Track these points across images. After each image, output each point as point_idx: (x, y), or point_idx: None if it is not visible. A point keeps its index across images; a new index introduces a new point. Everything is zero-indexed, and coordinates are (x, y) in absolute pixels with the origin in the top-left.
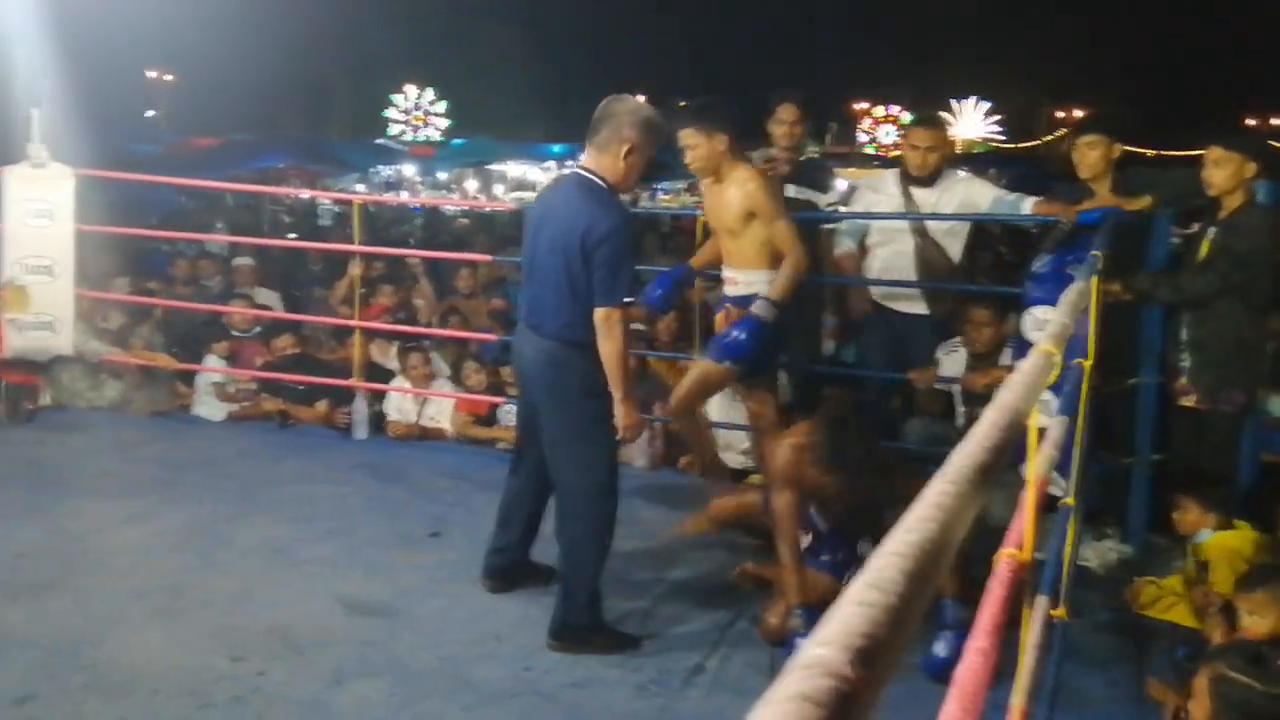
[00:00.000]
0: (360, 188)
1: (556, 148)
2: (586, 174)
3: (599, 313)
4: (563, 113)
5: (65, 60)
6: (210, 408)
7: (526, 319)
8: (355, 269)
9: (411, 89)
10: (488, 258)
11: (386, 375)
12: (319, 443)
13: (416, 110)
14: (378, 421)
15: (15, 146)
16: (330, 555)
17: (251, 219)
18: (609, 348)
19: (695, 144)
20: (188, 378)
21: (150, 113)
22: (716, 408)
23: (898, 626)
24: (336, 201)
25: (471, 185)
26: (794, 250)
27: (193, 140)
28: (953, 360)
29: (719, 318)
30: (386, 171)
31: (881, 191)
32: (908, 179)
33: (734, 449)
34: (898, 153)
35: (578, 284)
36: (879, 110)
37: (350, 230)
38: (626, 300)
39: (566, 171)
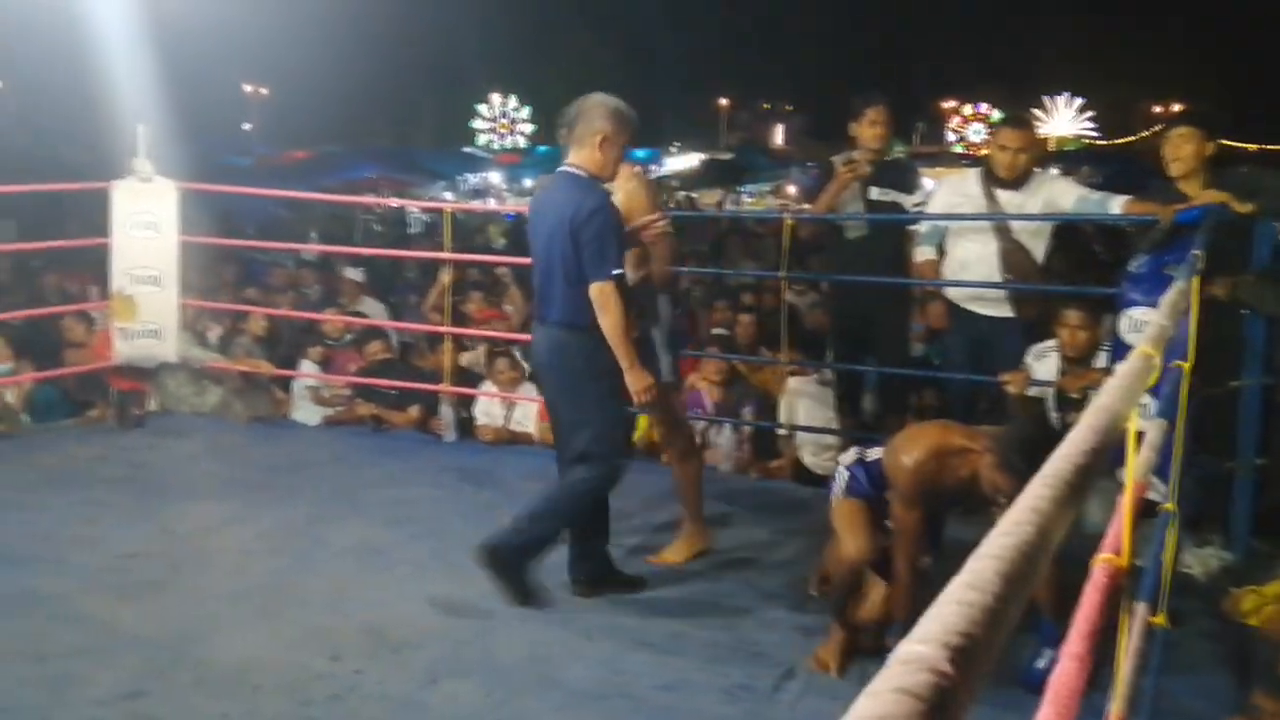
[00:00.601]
0: (448, 196)
1: (640, 152)
2: (570, 169)
3: (593, 288)
4: (646, 117)
5: (167, 78)
6: (306, 412)
7: (536, 312)
8: (446, 276)
9: (497, 97)
10: None
11: (478, 380)
12: (411, 447)
13: (502, 118)
14: (467, 426)
15: (122, 161)
16: (422, 557)
17: (343, 229)
18: (608, 321)
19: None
20: (285, 383)
21: (245, 126)
22: (804, 410)
23: (994, 626)
24: (425, 210)
25: None
26: None
27: (286, 153)
28: (1046, 363)
29: None
30: (473, 179)
31: (963, 192)
32: (991, 179)
33: (821, 453)
34: (986, 151)
35: (571, 269)
36: (967, 108)
37: (440, 238)
38: (615, 273)
39: (554, 173)
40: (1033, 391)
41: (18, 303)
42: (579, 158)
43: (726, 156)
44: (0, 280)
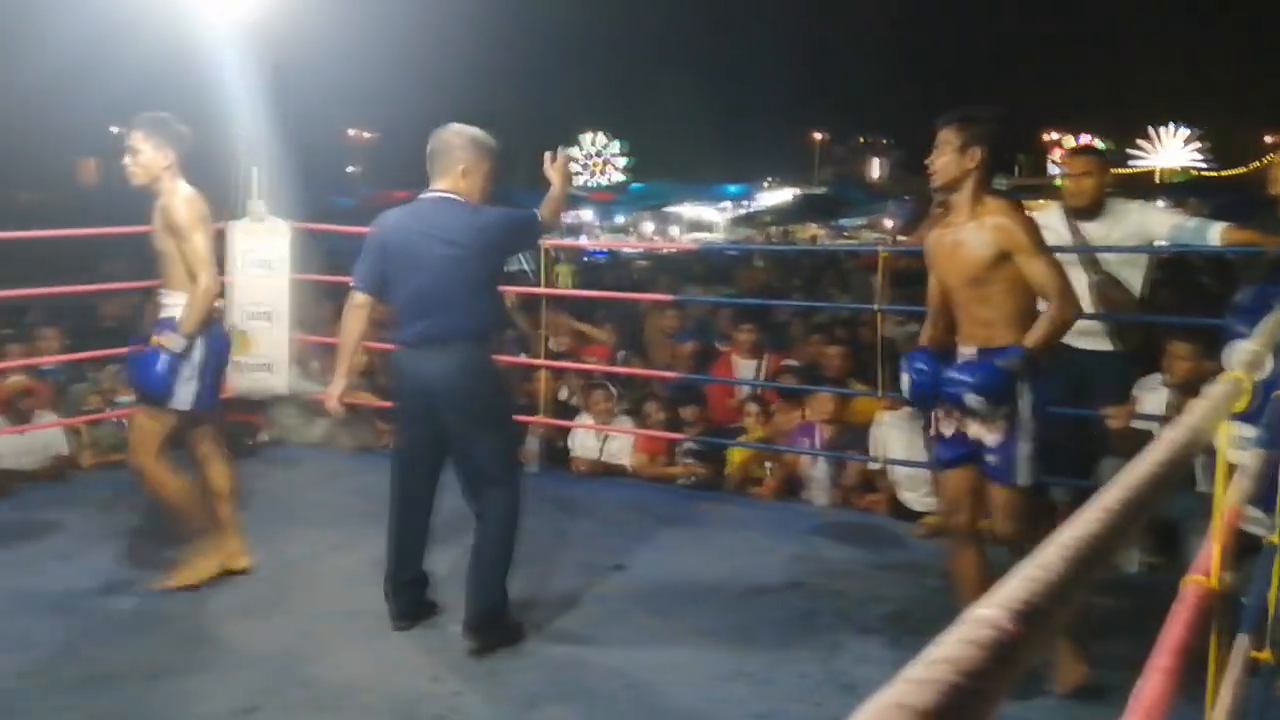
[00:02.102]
0: None
1: (733, 188)
2: (444, 194)
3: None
4: (739, 153)
5: (279, 123)
6: None
7: (415, 335)
8: (543, 312)
9: (591, 136)
10: (669, 297)
11: (572, 412)
12: None
13: (596, 157)
14: (561, 457)
15: (235, 203)
16: (520, 583)
17: None
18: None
19: (945, 143)
20: (387, 415)
21: (350, 168)
22: (897, 444)
23: (1054, 599)
24: None
25: (648, 227)
26: (1061, 292)
27: (388, 193)
28: (1154, 397)
29: None
30: (568, 217)
31: (1047, 227)
32: (1073, 212)
33: (915, 488)
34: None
35: (478, 278)
36: (1070, 140)
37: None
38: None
39: (424, 199)
40: (1138, 425)
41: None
42: (447, 185)
43: (821, 191)
44: (126, 316)
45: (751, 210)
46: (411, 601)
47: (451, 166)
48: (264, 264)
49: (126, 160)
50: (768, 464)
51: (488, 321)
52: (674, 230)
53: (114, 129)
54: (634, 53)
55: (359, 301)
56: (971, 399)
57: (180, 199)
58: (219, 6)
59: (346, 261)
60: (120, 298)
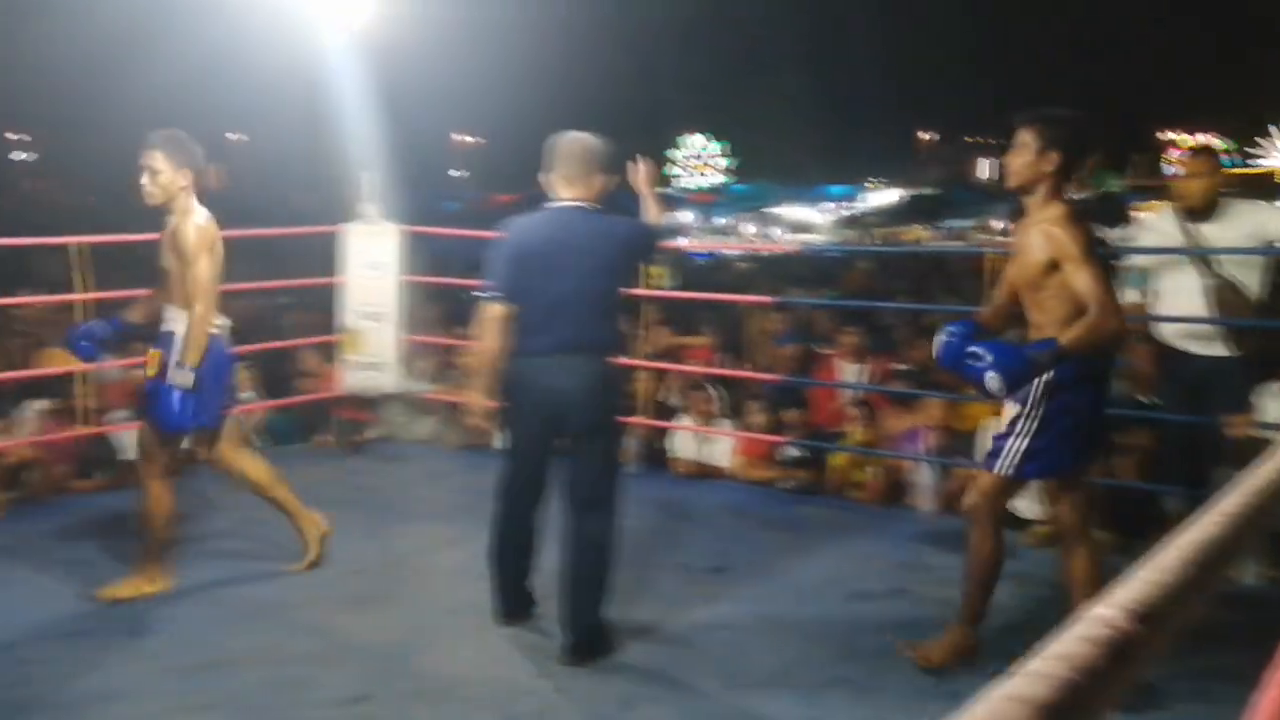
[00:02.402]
0: None
1: (837, 188)
2: (576, 203)
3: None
4: (843, 154)
5: (388, 129)
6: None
7: (547, 344)
8: (644, 312)
9: (693, 138)
10: (771, 299)
11: (672, 413)
12: None
13: (697, 159)
14: (660, 458)
15: (343, 207)
16: (621, 583)
17: None
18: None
19: (1024, 145)
20: (497, 418)
21: (456, 173)
22: None
23: (1171, 601)
24: None
25: (749, 229)
26: (1101, 303)
27: (493, 197)
28: (1275, 405)
29: None
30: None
31: (1158, 229)
32: (1187, 214)
33: (1026, 496)
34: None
35: (609, 293)
36: (1187, 139)
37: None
38: None
39: (557, 209)
40: (1258, 434)
41: (261, 337)
42: (579, 194)
43: (928, 191)
44: (243, 316)
45: (856, 211)
46: (515, 599)
47: (583, 175)
48: (375, 265)
49: (144, 181)
50: (869, 468)
51: (617, 334)
52: (776, 232)
53: (232, 136)
54: (735, 53)
55: (497, 313)
56: (991, 378)
57: (191, 225)
58: (334, 19)
59: (454, 264)
60: (238, 300)
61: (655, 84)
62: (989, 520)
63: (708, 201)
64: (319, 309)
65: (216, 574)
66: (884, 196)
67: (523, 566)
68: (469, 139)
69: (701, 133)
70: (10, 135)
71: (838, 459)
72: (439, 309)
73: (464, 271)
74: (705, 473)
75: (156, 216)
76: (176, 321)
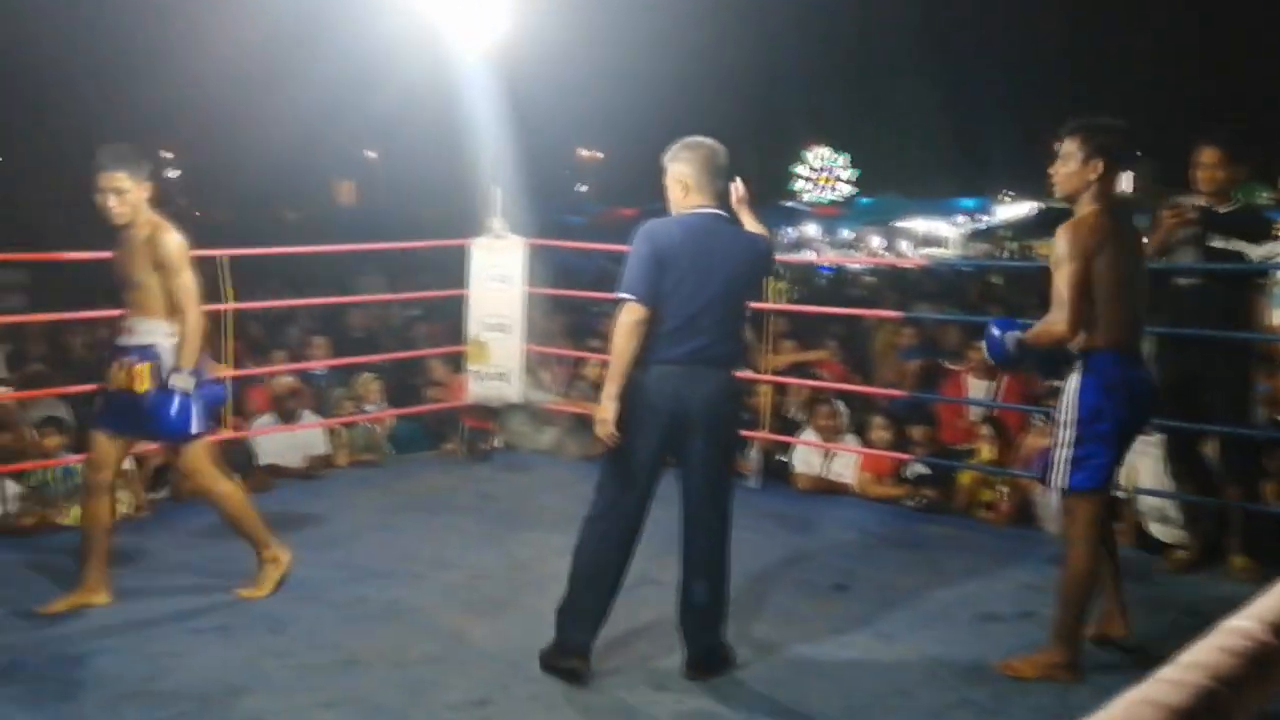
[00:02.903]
0: None
1: (967, 201)
2: (718, 213)
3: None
4: (973, 165)
5: (516, 144)
6: None
7: (689, 354)
8: (769, 325)
9: (818, 150)
10: (898, 314)
11: (794, 427)
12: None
13: (822, 171)
14: (778, 472)
15: (469, 221)
16: (742, 598)
17: None
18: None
19: (1068, 154)
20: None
21: (581, 187)
22: (1148, 474)
23: None
24: None
25: (876, 242)
26: (1056, 306)
27: (616, 210)
28: None
29: None
30: (791, 232)
31: None
32: None
33: (1165, 520)
34: None
35: (743, 307)
36: None
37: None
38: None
39: (699, 215)
40: None
41: (391, 347)
42: (719, 204)
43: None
44: (373, 328)
45: (987, 225)
46: (597, 631)
47: (717, 182)
48: (501, 278)
49: (111, 201)
50: (999, 488)
51: (743, 347)
52: (904, 246)
53: (368, 153)
54: (861, 64)
55: (641, 316)
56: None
57: (171, 237)
58: (466, 40)
59: (577, 277)
60: (369, 310)
61: (779, 96)
62: (1081, 538)
63: (833, 215)
64: (446, 320)
65: (343, 573)
66: (1016, 209)
67: (615, 594)
68: (590, 153)
69: (827, 145)
70: (165, 154)
71: (966, 478)
72: (562, 321)
73: (587, 284)
74: (828, 489)
75: (296, 232)
76: (156, 333)
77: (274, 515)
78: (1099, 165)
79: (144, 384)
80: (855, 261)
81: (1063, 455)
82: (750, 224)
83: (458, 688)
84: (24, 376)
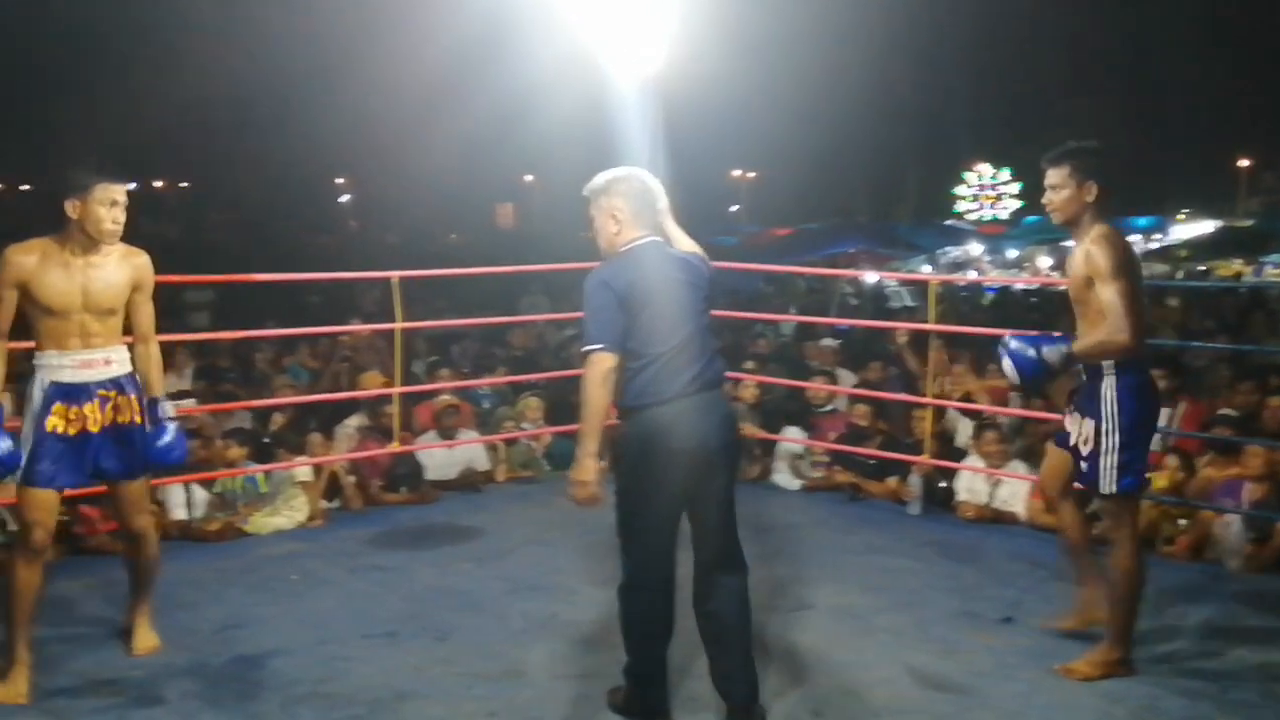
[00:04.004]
0: (927, 269)
1: (1142, 220)
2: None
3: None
4: (1148, 183)
5: (670, 166)
6: (786, 477)
7: (689, 383)
8: (934, 348)
9: (982, 168)
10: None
11: (959, 454)
12: (888, 518)
13: (985, 189)
14: (943, 499)
15: None
16: (901, 626)
17: (820, 303)
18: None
19: (1059, 183)
20: (769, 447)
21: (733, 208)
22: None
23: None
24: (903, 283)
25: (1044, 262)
26: (1115, 318)
27: (769, 231)
28: None
29: None
30: (954, 252)
31: None
32: None
33: None
34: None
35: (709, 328)
36: None
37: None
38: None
39: (645, 248)
40: None
41: (548, 366)
42: (653, 231)
43: (1247, 223)
44: (532, 347)
45: (1163, 244)
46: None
47: (655, 215)
48: None
49: (120, 217)
50: (1181, 520)
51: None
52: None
53: (526, 177)
54: (1027, 80)
55: (612, 364)
56: (1006, 365)
57: (147, 260)
58: (625, 65)
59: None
60: (529, 330)
61: (940, 113)
62: (1129, 538)
63: (997, 233)
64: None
65: (504, 586)
66: (1196, 228)
67: (669, 640)
68: (750, 174)
69: (991, 162)
70: (338, 180)
71: (1144, 509)
72: (719, 341)
73: (743, 305)
74: (995, 517)
75: (459, 255)
76: (127, 361)
77: (438, 527)
78: (1093, 187)
79: (136, 417)
80: (1021, 281)
81: (1110, 461)
82: (684, 242)
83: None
84: (212, 390)
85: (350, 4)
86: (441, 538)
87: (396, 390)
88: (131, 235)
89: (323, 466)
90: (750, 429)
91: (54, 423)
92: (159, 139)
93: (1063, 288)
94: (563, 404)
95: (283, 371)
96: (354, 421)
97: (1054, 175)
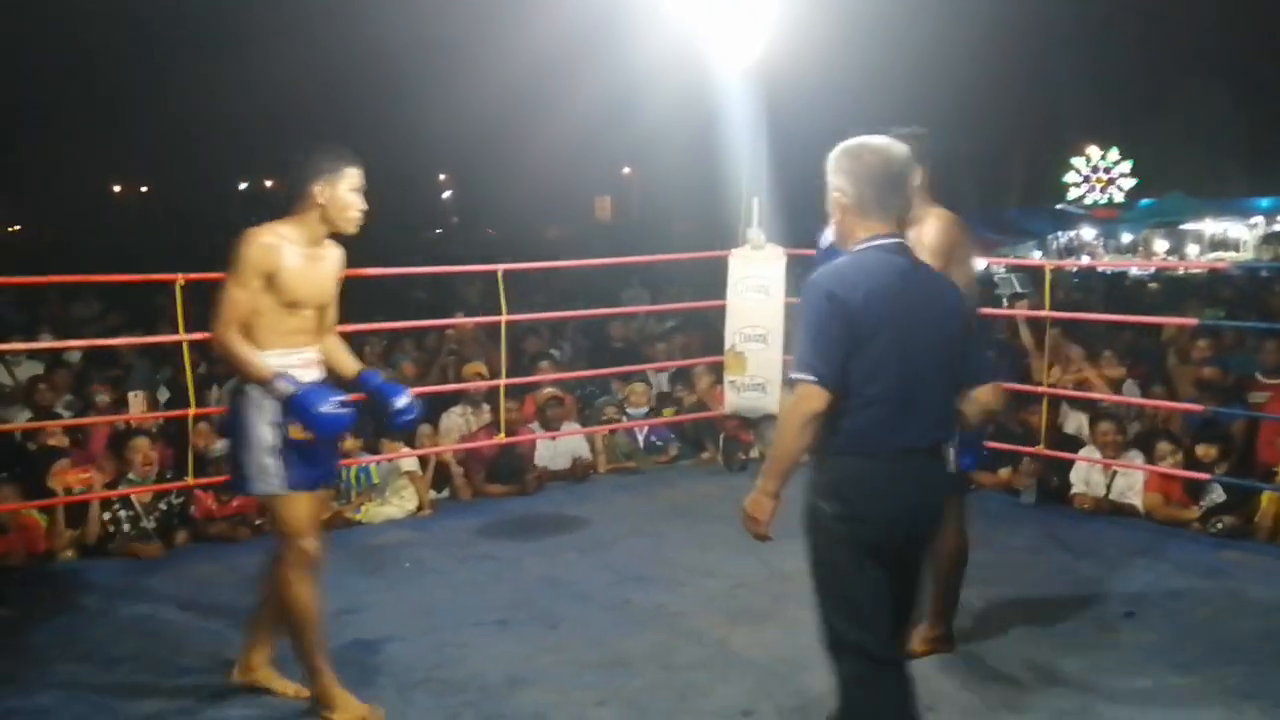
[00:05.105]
0: (1037, 254)
1: (1264, 201)
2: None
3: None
4: (1271, 163)
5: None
6: None
7: (896, 439)
8: (1047, 334)
9: (1093, 150)
10: (1192, 320)
11: (1075, 444)
12: (1002, 509)
13: (1097, 173)
14: (1060, 491)
15: (722, 233)
16: (1022, 622)
17: None
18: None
19: None
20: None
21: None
22: None
23: None
24: (1012, 268)
25: (1160, 246)
26: None
27: None
28: None
29: None
30: (1064, 237)
31: None
32: None
33: None
34: None
35: (956, 372)
36: None
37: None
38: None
39: (881, 252)
40: None
41: (650, 357)
42: (896, 227)
43: None
44: (632, 339)
45: None
46: None
47: (901, 202)
48: (761, 289)
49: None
50: None
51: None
52: (1191, 249)
53: (624, 170)
54: (1141, 60)
55: (823, 405)
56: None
57: (343, 255)
58: (727, 55)
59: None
60: (629, 322)
61: (1049, 95)
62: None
63: (1110, 217)
64: (700, 331)
65: (608, 575)
66: None
67: None
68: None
69: (1101, 144)
70: (440, 176)
71: (1271, 501)
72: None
73: None
74: (1113, 509)
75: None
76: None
77: (544, 517)
78: (920, 172)
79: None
80: (1136, 265)
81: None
82: (928, 234)
83: (722, 694)
84: None
85: (450, 1)
86: (547, 528)
87: (502, 382)
88: (240, 234)
89: (430, 457)
90: None
91: (296, 430)
92: (268, 139)
93: (1180, 271)
94: (660, 395)
95: (389, 365)
96: (458, 412)
97: None
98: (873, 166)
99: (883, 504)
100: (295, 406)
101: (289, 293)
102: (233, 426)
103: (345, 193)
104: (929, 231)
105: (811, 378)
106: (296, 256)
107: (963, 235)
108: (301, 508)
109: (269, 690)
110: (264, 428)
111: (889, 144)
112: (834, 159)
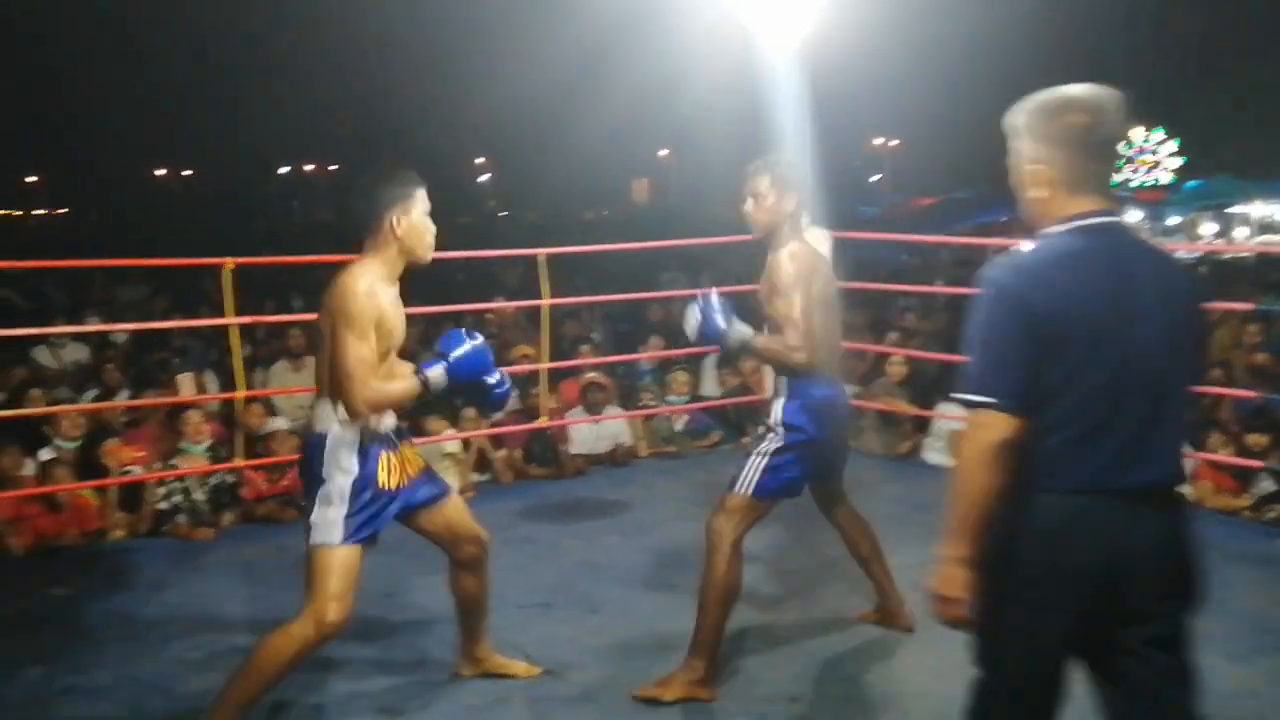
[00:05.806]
0: None
1: None
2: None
3: None
4: None
5: (813, 137)
6: (940, 454)
7: (1111, 475)
8: None
9: (1138, 131)
10: (1248, 305)
11: None
12: None
13: (1143, 154)
14: None
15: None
16: None
17: (969, 275)
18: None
19: (762, 194)
20: (922, 424)
21: (874, 177)
22: None
23: None
24: None
25: (1208, 229)
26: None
27: (913, 201)
28: None
29: None
30: None
31: None
32: None
33: None
34: None
35: (1187, 390)
36: None
37: None
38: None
39: (1089, 233)
40: None
41: (689, 341)
42: (1108, 201)
43: None
44: (670, 322)
45: None
46: None
47: (1111, 169)
48: None
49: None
50: None
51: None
52: (1240, 232)
53: (662, 152)
54: (1188, 38)
55: (1007, 434)
56: (691, 314)
57: None
58: (770, 37)
59: (875, 270)
60: (667, 305)
61: (1093, 74)
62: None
63: (1156, 200)
64: (742, 316)
65: (650, 559)
66: None
67: None
68: (893, 142)
69: (1146, 125)
70: (478, 160)
71: None
72: (861, 315)
73: (885, 277)
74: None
75: (596, 231)
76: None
77: (584, 501)
78: (792, 197)
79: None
80: (1183, 248)
81: (757, 464)
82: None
83: (768, 680)
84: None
85: None
86: (588, 512)
87: (544, 366)
88: (285, 220)
89: (472, 440)
90: (898, 404)
91: (384, 478)
92: (310, 123)
93: (1228, 255)
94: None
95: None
96: None
97: (757, 185)
98: (1082, 128)
99: (1074, 549)
100: (456, 373)
101: (388, 339)
102: (309, 474)
103: (420, 218)
104: (788, 263)
105: (989, 400)
106: (390, 299)
107: (815, 264)
108: (348, 562)
109: (505, 675)
110: (338, 477)
111: (1096, 95)
112: (1025, 121)
